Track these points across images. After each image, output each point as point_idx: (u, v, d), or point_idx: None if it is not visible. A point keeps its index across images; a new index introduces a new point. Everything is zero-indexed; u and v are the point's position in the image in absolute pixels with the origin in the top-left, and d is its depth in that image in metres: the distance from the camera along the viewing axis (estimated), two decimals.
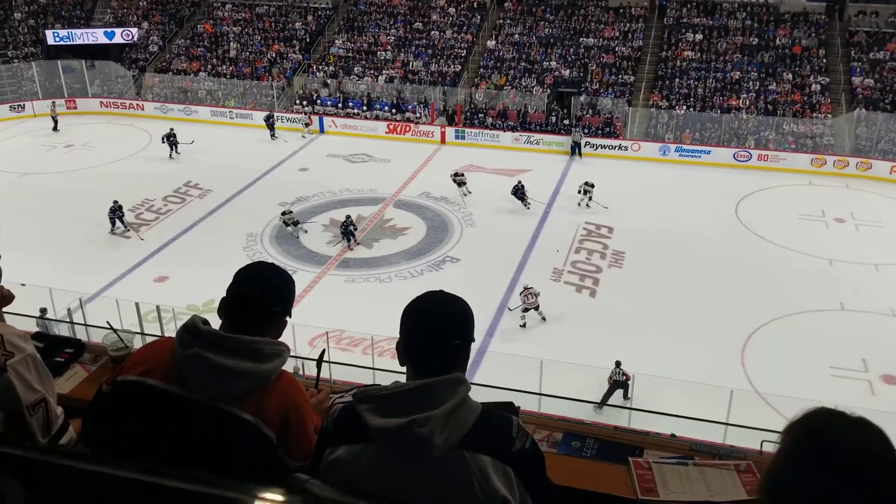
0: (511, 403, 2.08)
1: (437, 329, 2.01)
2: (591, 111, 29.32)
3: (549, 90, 30.22)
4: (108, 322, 3.17)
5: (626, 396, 14.12)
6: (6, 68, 33.09)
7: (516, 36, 32.43)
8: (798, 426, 1.43)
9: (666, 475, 2.30)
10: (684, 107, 28.78)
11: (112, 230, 21.20)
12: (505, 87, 30.64)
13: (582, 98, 29.64)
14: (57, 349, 3.15)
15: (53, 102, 31.20)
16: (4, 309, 2.60)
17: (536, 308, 16.67)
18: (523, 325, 16.66)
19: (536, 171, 26.04)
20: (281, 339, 2.29)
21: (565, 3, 33.04)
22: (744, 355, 15.74)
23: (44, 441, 2.41)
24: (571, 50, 31.48)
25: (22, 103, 32.05)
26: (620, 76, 30.30)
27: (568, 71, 30.87)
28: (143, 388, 2.14)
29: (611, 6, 32.63)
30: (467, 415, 1.90)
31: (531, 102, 29.88)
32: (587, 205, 22.96)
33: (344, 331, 16.12)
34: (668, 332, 16.27)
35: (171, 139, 26.83)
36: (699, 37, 31.05)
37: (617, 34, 31.72)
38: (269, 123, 29.28)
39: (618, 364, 14.15)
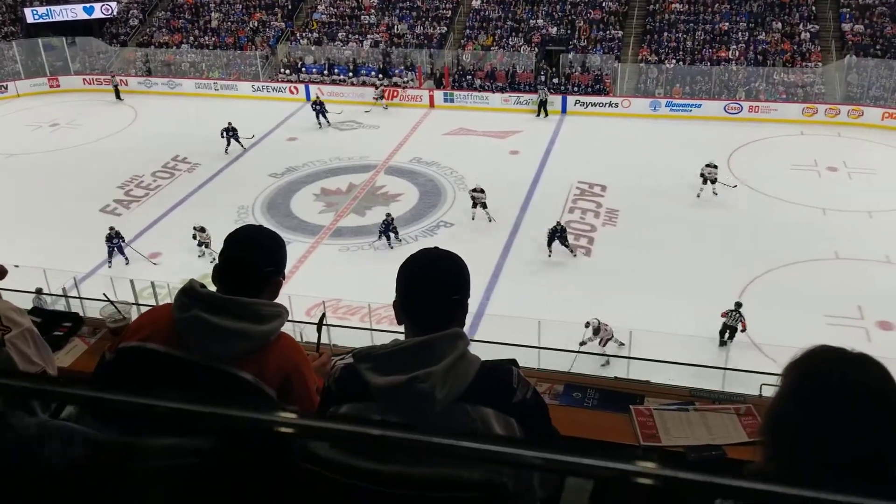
0: (513, 360, 2.09)
1: (434, 285, 2.00)
2: (579, 69, 29.09)
3: (536, 49, 29.94)
4: (104, 294, 3.17)
5: (725, 340, 14.33)
6: None
7: None
8: (799, 365, 1.43)
9: (667, 421, 2.33)
10: (674, 61, 28.57)
11: (109, 263, 18.25)
12: (492, 48, 30.34)
13: (570, 56, 29.38)
14: (55, 323, 3.16)
15: (113, 75, 31.16)
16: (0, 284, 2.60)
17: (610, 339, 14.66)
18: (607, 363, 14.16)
19: (528, 131, 25.94)
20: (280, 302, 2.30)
21: None
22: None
23: (44, 415, 2.42)
24: (558, 7, 31.11)
25: (5, 84, 31.61)
26: (608, 32, 30.00)
27: (555, 28, 30.55)
28: (144, 353, 2.16)
29: None
30: (467, 368, 1.90)
31: (519, 62, 29.60)
32: (714, 192, 20.32)
33: (341, 300, 16.16)
34: (664, 287, 16.34)
35: (230, 133, 24.44)
36: None
37: None
38: (320, 111, 26.89)
39: (738, 306, 14.42)
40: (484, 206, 19.75)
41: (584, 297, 16.17)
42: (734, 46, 28.54)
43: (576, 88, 28.45)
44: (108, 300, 3.07)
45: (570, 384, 2.48)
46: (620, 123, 26.65)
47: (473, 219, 19.91)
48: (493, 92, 28.70)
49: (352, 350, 2.62)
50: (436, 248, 2.11)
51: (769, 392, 2.72)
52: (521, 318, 13.83)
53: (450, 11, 32.00)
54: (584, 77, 28.73)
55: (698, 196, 20.45)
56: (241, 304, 2.14)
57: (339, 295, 16.27)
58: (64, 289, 16.29)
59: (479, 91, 28.91)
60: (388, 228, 18.88)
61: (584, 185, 21.83)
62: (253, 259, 2.23)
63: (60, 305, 14.33)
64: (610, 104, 27.78)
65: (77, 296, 14.95)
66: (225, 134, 24.37)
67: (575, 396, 2.47)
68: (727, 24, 29.27)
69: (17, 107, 30.33)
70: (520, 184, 22.00)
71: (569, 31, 30.36)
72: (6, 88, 31.57)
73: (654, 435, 2.33)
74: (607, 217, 20.08)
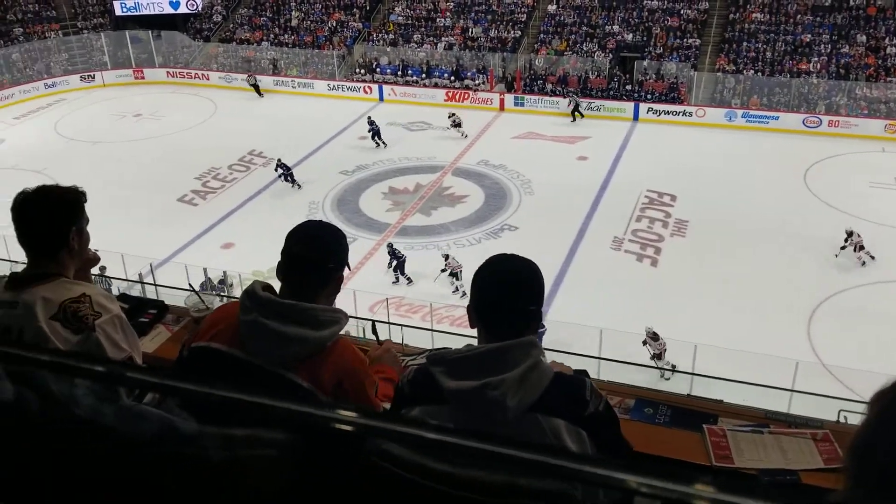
0: (584, 371, 2.09)
1: (512, 292, 2.01)
2: (654, 76, 28.65)
3: (611, 55, 29.62)
4: (189, 284, 3.30)
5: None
6: (76, 39, 34.04)
7: (578, 0, 31.78)
8: (887, 394, 1.41)
9: (741, 443, 2.30)
10: (752, 71, 27.87)
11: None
12: (565, 53, 30.14)
13: (645, 63, 28.97)
14: (141, 310, 3.30)
15: (250, 74, 31.49)
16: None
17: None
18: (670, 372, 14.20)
19: (598, 137, 25.68)
20: (340, 307, 2.30)
21: None
22: (810, 327, 15.37)
23: (129, 400, 2.52)
24: (635, 13, 30.71)
25: (92, 73, 32.98)
26: (685, 39, 29.46)
27: (631, 35, 30.16)
28: (210, 352, 2.22)
29: None
30: (540, 378, 1.90)
31: (592, 68, 29.34)
32: (862, 262, 17.41)
33: (403, 298, 16.34)
34: (731, 303, 15.98)
35: (284, 171, 22.49)
36: None
37: None
38: (375, 131, 25.48)
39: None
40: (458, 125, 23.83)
41: (647, 307, 15.92)
42: (816, 59, 27.66)
43: (649, 96, 28.04)
44: (193, 290, 3.20)
45: (641, 399, 2.47)
46: (694, 133, 26.14)
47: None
48: (565, 97, 28.50)
49: (424, 351, 2.65)
50: (513, 254, 2.11)
51: (849, 419, 2.66)
52: (582, 325, 13.73)
53: (525, 16, 31.92)
54: (659, 84, 28.27)
55: (836, 256, 17.81)
56: (299, 309, 2.16)
57: (402, 293, 16.45)
58: (140, 274, 16.90)
59: (551, 96, 28.75)
60: (395, 261, 17.59)
61: (653, 194, 21.49)
62: (315, 256, 2.25)
63: (135, 291, 14.85)
64: (684, 113, 27.26)
65: (152, 282, 15.49)
66: (279, 170, 22.41)
67: (646, 412, 2.46)
68: (809, 35, 28.39)
69: (103, 96, 31.58)
70: (587, 190, 21.80)
71: (644, 38, 29.93)
72: (93, 78, 32.91)
73: (728, 456, 2.30)
74: (676, 228, 19.72)
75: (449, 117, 25.75)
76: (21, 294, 2.39)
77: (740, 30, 29.36)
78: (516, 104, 28.85)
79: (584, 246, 18.75)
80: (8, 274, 3.72)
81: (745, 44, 28.78)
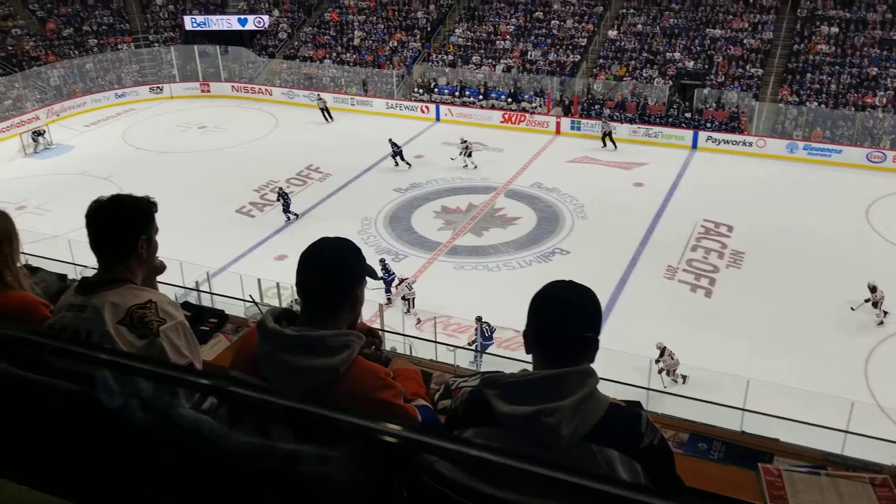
0: (638, 402, 2.07)
1: (570, 319, 2.00)
2: (714, 105, 28.29)
3: (670, 82, 29.38)
4: (250, 296, 3.38)
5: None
6: (147, 52, 35.22)
7: (639, 26, 31.66)
8: None
9: (797, 484, 2.25)
10: (815, 103, 27.31)
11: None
12: (624, 78, 30.00)
13: (706, 91, 28.65)
14: (202, 318, 3.40)
15: (319, 96, 31.16)
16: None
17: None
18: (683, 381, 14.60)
19: (655, 164, 25.45)
20: (351, 330, 2.22)
21: None
22: (867, 367, 14.90)
23: (188, 405, 2.57)
24: (697, 41, 30.44)
25: (161, 85, 34.05)
26: (748, 69, 29.06)
27: (692, 63, 29.89)
28: (234, 378, 2.20)
29: None
30: (596, 408, 1.90)
31: (651, 94, 29.13)
32: (880, 321, 16.48)
33: (451, 317, 16.34)
34: (786, 338, 15.59)
35: (282, 197, 22.05)
36: (835, 30, 29.33)
37: (746, 26, 30.41)
38: (398, 152, 25.67)
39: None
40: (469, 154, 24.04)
41: (699, 339, 15.65)
42: (882, 93, 26.97)
43: (708, 124, 27.68)
44: (254, 302, 3.27)
45: (695, 434, 2.44)
46: (753, 163, 25.70)
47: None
48: (622, 122, 28.33)
49: (476, 373, 2.67)
50: (571, 281, 2.09)
51: None
52: (632, 354, 13.55)
53: (584, 40, 31.92)
54: (719, 113, 27.90)
55: (853, 310, 16.95)
56: (309, 339, 2.12)
57: (449, 312, 16.47)
58: (197, 282, 17.28)
59: (608, 121, 28.60)
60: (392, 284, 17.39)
61: (709, 224, 21.16)
62: (327, 284, 2.20)
63: (191, 298, 15.20)
64: (744, 143, 26.83)
65: (208, 290, 15.83)
66: (279, 198, 22.09)
67: (700, 447, 2.43)
68: (876, 69, 27.72)
69: (170, 108, 32.55)
70: (642, 217, 21.58)
71: (706, 66, 29.63)
72: (162, 90, 33.98)
73: (783, 497, 2.24)
74: (732, 259, 19.36)
75: (461, 142, 25.47)
76: (91, 298, 2.47)
77: (805, 61, 28.84)
78: (572, 128, 28.78)
79: (637, 273, 18.53)
80: (78, 278, 3.87)
81: (809, 75, 28.25)
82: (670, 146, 27.26)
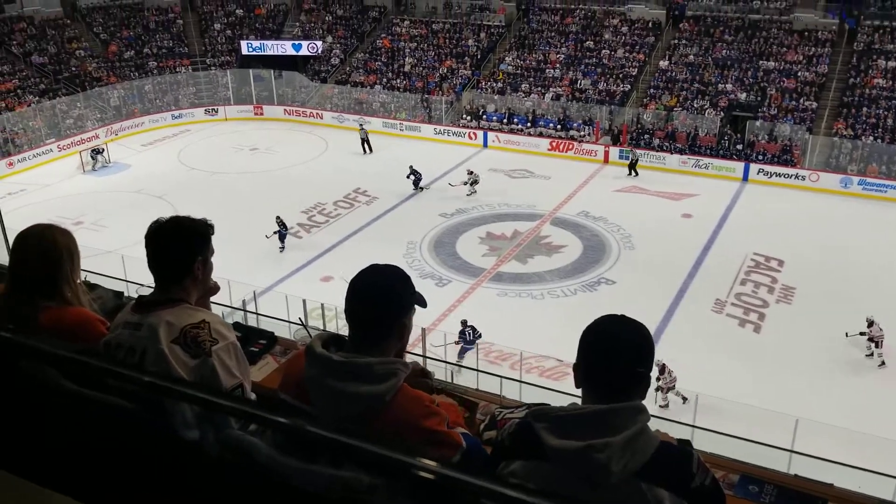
0: (688, 441, 2.03)
1: (622, 354, 1.97)
2: (767, 137, 27.88)
3: (722, 113, 29.07)
4: (299, 318, 3.42)
5: None
6: (204, 75, 36.20)
7: (691, 57, 31.47)
8: None
9: None
10: (871, 137, 26.72)
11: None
12: (675, 109, 29.80)
13: (758, 123, 28.27)
14: (252, 339, 3.44)
15: (361, 125, 30.57)
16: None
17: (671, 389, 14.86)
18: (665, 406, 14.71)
19: (704, 196, 25.14)
20: (398, 359, 2.22)
21: (746, 25, 31.69)
22: None
23: (236, 427, 2.60)
24: (749, 73, 30.12)
25: (216, 107, 34.94)
26: (802, 102, 28.61)
27: (744, 94, 29.56)
28: (281, 401, 2.25)
29: (795, 29, 30.95)
30: (646, 445, 1.86)
31: (702, 125, 28.86)
32: (881, 361, 16.15)
33: (493, 344, 16.26)
34: (838, 377, 15.17)
35: (280, 229, 21.80)
36: (892, 64, 28.75)
37: (800, 58, 30.00)
38: (416, 179, 25.90)
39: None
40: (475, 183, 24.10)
41: (747, 374, 15.31)
42: None
43: (760, 157, 27.29)
44: (302, 324, 3.31)
45: (745, 475, 2.38)
46: (806, 197, 25.21)
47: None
48: (672, 153, 28.09)
49: (522, 404, 2.65)
50: (623, 315, 2.06)
51: None
52: (678, 388, 13.32)
53: (635, 70, 31.84)
54: (771, 146, 27.49)
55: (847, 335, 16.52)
56: (355, 366, 2.12)
57: (492, 339, 16.39)
58: (244, 301, 17.55)
59: (657, 151, 28.41)
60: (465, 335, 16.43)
61: (759, 258, 20.77)
62: (376, 312, 2.20)
63: (237, 317, 15.43)
64: (797, 176, 26.36)
65: (254, 310, 16.05)
66: (279, 228, 21.74)
67: (751, 490, 2.36)
68: None
69: (225, 129, 33.32)
70: (690, 248, 21.29)
71: (759, 98, 29.27)
72: (216, 112, 34.85)
73: None
74: (782, 294, 18.95)
75: (468, 174, 25.16)
76: (147, 317, 2.52)
77: (860, 95, 28.30)
78: (621, 157, 28.63)
79: (684, 306, 18.25)
80: (130, 294, 3.95)
81: (865, 109, 27.69)
82: (721, 178, 26.92)
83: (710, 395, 13.12)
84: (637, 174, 27.06)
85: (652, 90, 30.99)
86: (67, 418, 2.12)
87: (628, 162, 27.50)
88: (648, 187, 26.01)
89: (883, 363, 15.98)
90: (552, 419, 1.93)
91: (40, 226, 2.85)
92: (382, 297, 2.22)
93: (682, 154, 28.03)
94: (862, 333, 16.22)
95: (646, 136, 29.11)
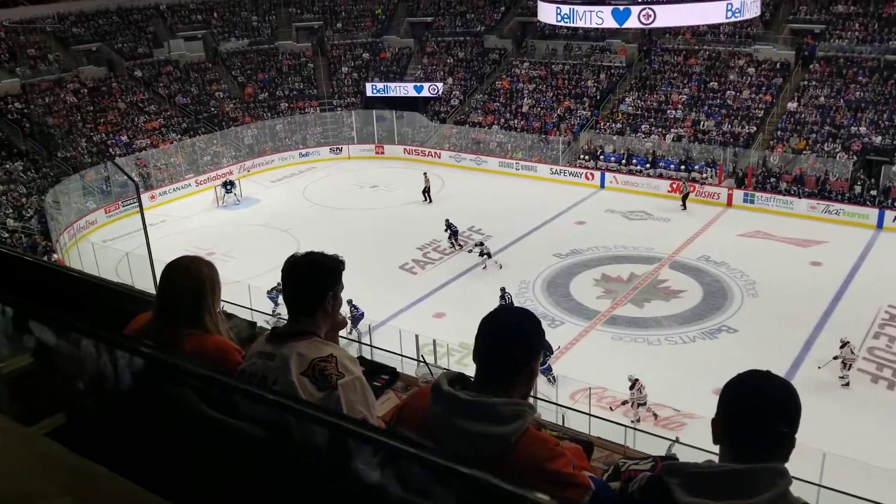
0: None
1: (768, 414, 1.88)
2: None
3: (855, 157, 27.63)
4: (422, 356, 3.54)
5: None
6: (330, 115, 37.86)
7: (821, 98, 30.16)
8: None
9: None
10: None
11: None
12: (804, 152, 28.57)
13: (894, 168, 26.65)
14: (375, 374, 3.55)
15: (426, 174, 29.99)
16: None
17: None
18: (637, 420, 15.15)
19: (834, 243, 23.87)
20: (523, 401, 2.22)
21: (882, 66, 30.10)
22: None
23: (360, 459, 2.67)
24: (885, 115, 28.52)
25: (340, 146, 36.41)
26: None
27: (879, 138, 27.99)
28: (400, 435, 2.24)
29: None
30: None
31: (833, 169, 27.50)
32: (845, 382, 16.50)
33: (606, 389, 15.93)
34: None
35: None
36: None
37: None
38: (452, 233, 25.13)
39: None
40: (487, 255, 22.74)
41: (879, 435, 14.31)
42: None
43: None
44: (424, 361, 3.44)
45: None
46: None
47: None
48: (800, 197, 26.88)
49: (647, 456, 2.62)
50: (769, 372, 1.98)
51: None
52: (803, 445, 12.57)
53: (762, 112, 30.83)
54: None
55: (819, 368, 16.65)
56: (481, 405, 2.12)
57: (605, 383, 16.06)
58: (359, 333, 18.06)
59: (784, 195, 27.27)
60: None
61: (894, 310, 19.45)
62: (507, 354, 2.20)
63: (352, 349, 15.87)
64: None
65: (369, 342, 16.48)
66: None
67: None
68: None
69: (347, 167, 34.63)
70: (818, 298, 20.22)
71: (895, 142, 27.63)
72: (340, 150, 36.31)
73: None
74: None
75: (476, 245, 23.57)
76: (280, 348, 2.66)
77: None
78: (745, 200, 27.67)
79: (811, 359, 17.30)
80: (254, 321, 4.19)
81: None
82: (853, 224, 25.49)
83: (841, 455, 12.31)
84: (685, 207, 27.43)
85: (779, 132, 29.86)
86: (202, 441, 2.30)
87: (682, 195, 27.88)
88: (775, 232, 24.96)
89: (847, 384, 16.23)
90: (686, 475, 1.87)
91: (187, 257, 2.99)
92: (517, 340, 2.22)
93: (811, 199, 26.76)
94: (835, 357, 16.46)
95: (772, 180, 28.02)
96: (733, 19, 26.54)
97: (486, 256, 22.97)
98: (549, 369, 16.31)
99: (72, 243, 25.19)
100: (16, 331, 2.57)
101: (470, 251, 23.87)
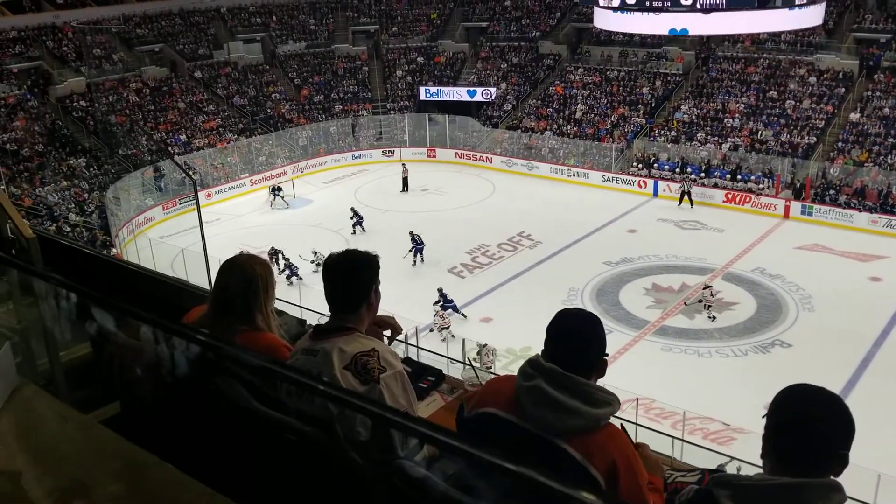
0: None
1: (821, 433, 1.86)
2: None
3: None
4: (468, 359, 3.55)
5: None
6: (384, 118, 38.20)
7: (886, 110, 29.25)
8: None
9: None
10: None
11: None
12: (866, 164, 27.74)
13: None
14: (421, 375, 3.60)
15: (404, 164, 32.66)
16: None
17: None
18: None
19: (895, 258, 23.11)
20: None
21: None
22: None
23: (402, 454, 2.71)
24: None
25: (392, 149, 36.69)
26: None
27: None
28: (488, 417, 2.33)
29: None
30: None
31: None
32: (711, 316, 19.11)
33: (654, 400, 15.69)
34: None
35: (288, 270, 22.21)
36: None
37: None
38: (687, 195, 27.71)
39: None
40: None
41: None
42: None
43: None
44: (470, 364, 3.45)
45: None
46: None
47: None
48: (861, 211, 26.12)
49: (695, 469, 2.59)
50: (822, 388, 1.95)
51: None
52: (859, 467, 12.18)
53: (822, 122, 30.05)
54: None
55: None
56: (578, 383, 2.21)
57: (653, 394, 15.82)
58: (405, 336, 18.12)
59: (844, 208, 26.51)
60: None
61: None
62: (578, 357, 2.28)
63: (399, 350, 15.93)
64: None
65: (415, 344, 16.52)
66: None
67: None
68: None
69: (399, 170, 34.75)
70: (878, 315, 19.60)
71: None
72: (392, 153, 36.58)
73: None
74: None
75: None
76: (322, 343, 2.72)
77: None
78: (803, 213, 26.99)
79: (868, 378, 16.76)
80: (314, 324, 4.25)
81: None
82: None
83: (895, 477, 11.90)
84: (692, 205, 27.31)
85: (840, 143, 29.07)
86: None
87: (680, 192, 27.87)
88: (833, 246, 24.29)
89: (713, 318, 19.30)
90: (736, 487, 1.86)
91: (243, 255, 3.09)
92: (592, 341, 2.34)
93: (872, 212, 25.98)
94: (699, 301, 19.74)
95: (831, 192, 27.28)
96: (794, 27, 25.84)
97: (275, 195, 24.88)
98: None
99: (130, 238, 25.88)
100: (78, 317, 2.65)
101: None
